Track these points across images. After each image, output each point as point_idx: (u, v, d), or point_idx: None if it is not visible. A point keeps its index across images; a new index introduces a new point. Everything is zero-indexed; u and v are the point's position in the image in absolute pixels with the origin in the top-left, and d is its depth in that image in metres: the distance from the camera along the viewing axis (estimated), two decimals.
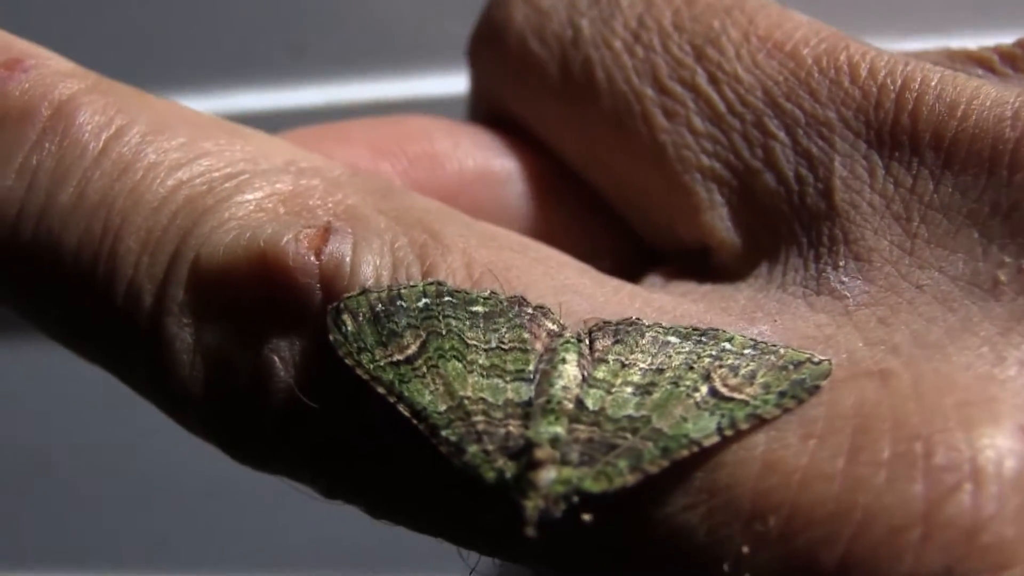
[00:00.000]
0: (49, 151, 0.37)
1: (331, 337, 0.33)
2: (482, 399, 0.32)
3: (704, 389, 0.32)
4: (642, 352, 0.33)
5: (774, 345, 0.33)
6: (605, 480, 0.31)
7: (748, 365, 0.33)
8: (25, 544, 0.90)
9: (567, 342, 0.33)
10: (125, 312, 0.36)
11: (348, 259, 0.35)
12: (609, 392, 0.32)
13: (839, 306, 0.34)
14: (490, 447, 0.31)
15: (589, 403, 0.32)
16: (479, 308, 0.34)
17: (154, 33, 0.76)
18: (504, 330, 0.34)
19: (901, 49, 0.39)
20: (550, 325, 0.34)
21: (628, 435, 0.31)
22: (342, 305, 0.34)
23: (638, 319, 0.34)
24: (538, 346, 0.33)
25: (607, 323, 0.34)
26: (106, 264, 0.36)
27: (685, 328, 0.34)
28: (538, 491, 0.30)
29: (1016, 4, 0.62)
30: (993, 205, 0.34)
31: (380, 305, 0.34)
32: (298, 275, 0.34)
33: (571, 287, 0.36)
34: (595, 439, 0.31)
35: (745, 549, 0.30)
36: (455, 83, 0.59)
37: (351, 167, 0.41)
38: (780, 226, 0.37)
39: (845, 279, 0.35)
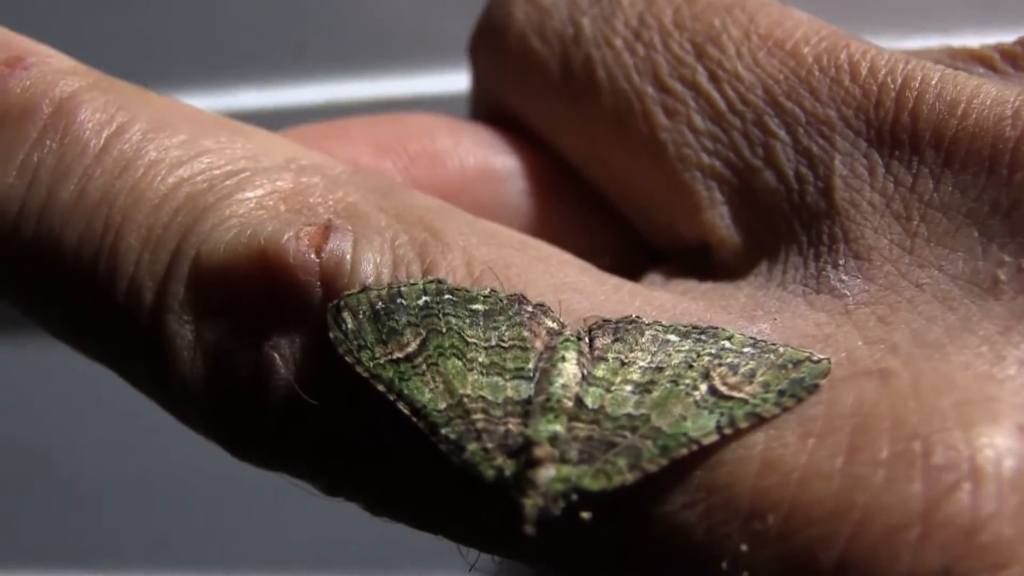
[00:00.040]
0: (50, 149, 0.37)
1: (331, 335, 0.33)
2: (481, 397, 0.32)
3: (703, 387, 0.32)
4: (642, 350, 0.33)
5: (773, 344, 0.33)
6: (604, 478, 0.31)
7: (747, 363, 0.33)
8: (24, 543, 0.91)
9: (567, 340, 0.33)
10: (126, 309, 0.36)
11: (348, 257, 0.35)
12: (608, 390, 0.32)
13: (839, 305, 0.34)
14: (489, 445, 0.31)
15: (588, 401, 0.32)
16: (479, 306, 0.34)
17: (156, 32, 0.76)
18: (504, 328, 0.34)
19: (902, 47, 0.39)
20: (550, 323, 0.34)
21: (627, 433, 0.31)
22: (342, 303, 0.34)
23: (638, 317, 0.34)
24: (538, 344, 0.34)
25: (607, 321, 0.34)
26: (107, 261, 0.36)
27: (685, 326, 0.34)
28: (537, 489, 0.30)
29: (1018, 2, 0.62)
30: (993, 204, 0.34)
31: (380, 303, 0.34)
32: (298, 273, 0.34)
33: (571, 285, 0.36)
34: (594, 437, 0.31)
35: (743, 547, 0.30)
36: (456, 81, 0.59)
37: (352, 165, 0.41)
38: (780, 224, 0.37)
39: (845, 278, 0.35)
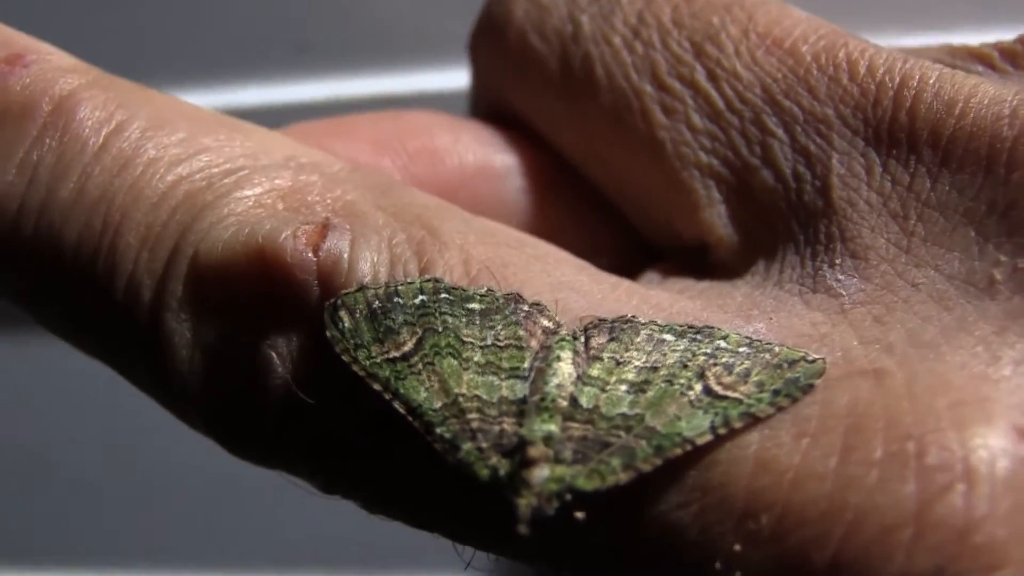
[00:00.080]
0: (49, 147, 0.37)
1: (328, 333, 0.33)
2: (477, 396, 0.32)
3: (698, 387, 0.32)
4: (637, 350, 0.33)
5: (769, 343, 0.33)
6: (598, 478, 0.31)
7: (743, 363, 0.33)
8: (24, 541, 0.91)
9: (562, 340, 0.33)
10: (125, 307, 0.36)
11: (346, 256, 0.35)
12: (603, 390, 0.32)
13: (835, 304, 0.34)
14: (484, 445, 0.31)
15: (583, 401, 0.32)
16: (475, 305, 0.34)
17: (158, 29, 0.77)
18: (500, 327, 0.34)
19: (902, 45, 0.39)
20: (546, 322, 0.34)
21: (622, 433, 0.31)
22: (339, 302, 0.34)
23: (633, 317, 0.34)
24: (533, 344, 0.34)
25: (602, 321, 0.34)
26: (106, 259, 0.36)
27: (680, 326, 0.34)
28: (531, 489, 0.30)
29: (1018, 0, 0.62)
30: (990, 203, 0.34)
31: (377, 302, 0.34)
32: (296, 271, 0.34)
33: (568, 284, 0.36)
34: (589, 437, 0.31)
35: (737, 547, 0.30)
36: (456, 79, 0.59)
37: (351, 162, 0.41)
38: (777, 223, 0.37)
39: (841, 277, 0.35)
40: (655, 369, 0.33)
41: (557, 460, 0.31)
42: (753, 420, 0.31)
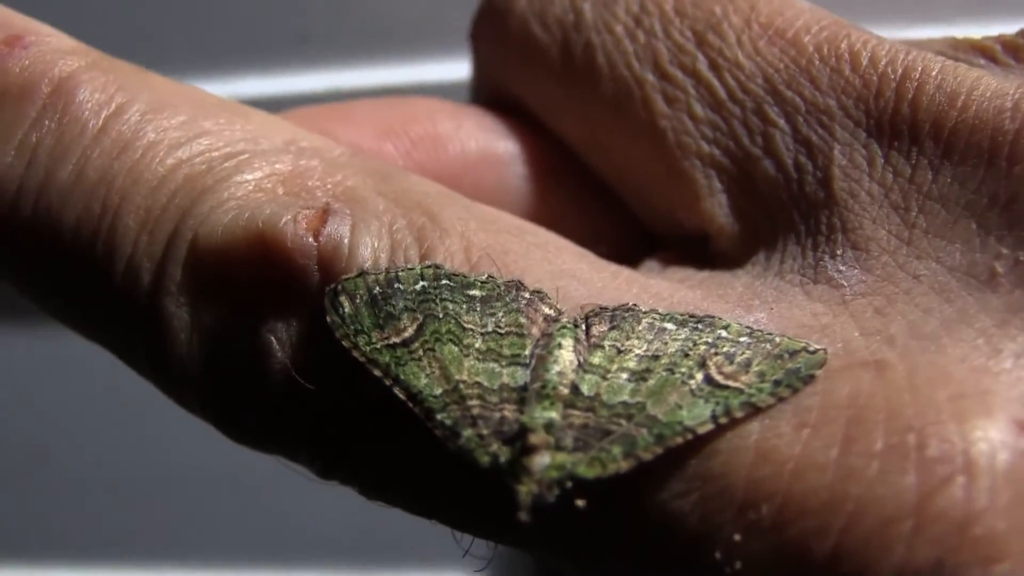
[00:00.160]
0: (49, 129, 0.37)
1: (328, 319, 0.33)
2: (477, 383, 0.32)
3: (699, 376, 0.32)
4: (638, 338, 0.33)
5: (770, 333, 0.33)
6: (599, 466, 0.31)
7: (744, 353, 0.33)
8: (23, 539, 0.91)
9: (563, 327, 0.33)
10: (124, 290, 0.36)
11: (346, 241, 0.35)
12: (604, 378, 0.32)
13: (836, 295, 0.34)
14: (485, 431, 0.31)
15: (584, 389, 0.32)
16: (476, 292, 0.34)
17: (160, 18, 0.76)
18: (501, 314, 0.34)
19: (905, 37, 0.39)
20: (547, 310, 0.34)
21: (623, 421, 0.31)
22: (340, 287, 0.34)
23: (635, 305, 0.34)
24: (534, 331, 0.34)
25: (604, 309, 0.34)
26: (105, 242, 0.36)
27: (681, 315, 0.34)
28: (532, 476, 0.30)
29: None
30: (991, 196, 0.34)
31: (377, 287, 0.34)
32: (296, 256, 0.34)
33: (569, 272, 0.36)
34: (589, 425, 0.31)
35: (737, 537, 0.30)
36: (457, 69, 0.59)
37: (352, 148, 0.41)
38: (778, 214, 0.37)
39: (842, 268, 0.35)
40: (656, 358, 0.33)
41: (558, 447, 0.31)
42: (754, 410, 0.31)
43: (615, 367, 0.33)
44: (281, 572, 0.84)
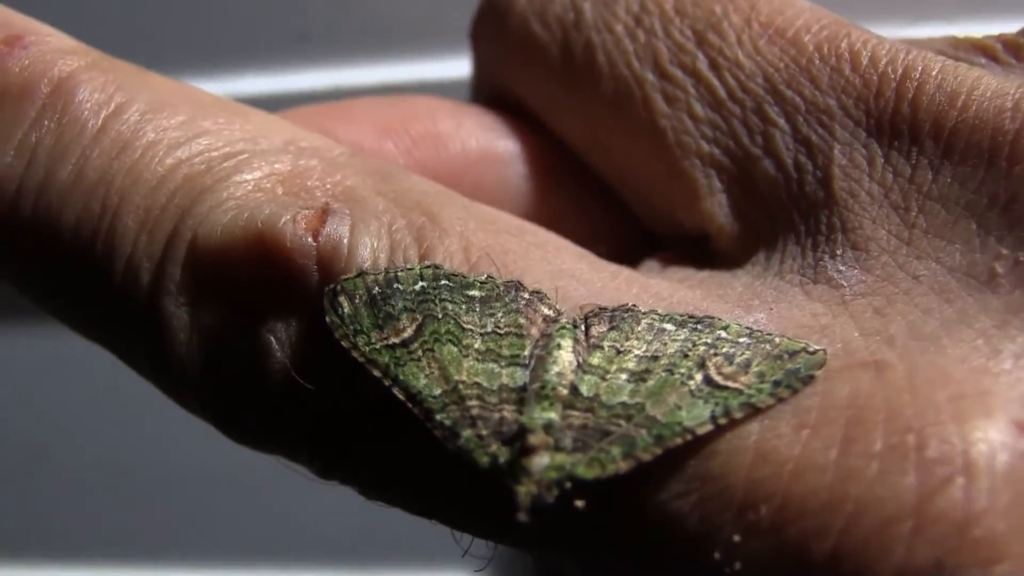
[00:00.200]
0: (48, 128, 0.37)
1: (327, 319, 0.33)
2: (477, 384, 0.32)
3: (699, 377, 0.32)
4: (637, 339, 0.33)
5: (769, 334, 0.33)
6: (598, 466, 0.31)
7: (743, 354, 0.33)
8: (23, 538, 0.91)
9: (563, 328, 0.33)
10: (123, 290, 0.36)
11: (346, 241, 0.35)
12: (604, 378, 0.32)
13: (836, 295, 0.34)
14: (484, 432, 0.31)
15: (583, 389, 0.32)
16: (475, 292, 0.34)
17: (160, 17, 0.76)
18: (500, 315, 0.34)
19: (905, 36, 0.39)
20: (546, 310, 0.34)
21: (622, 422, 0.31)
22: (339, 287, 0.34)
23: (634, 306, 0.34)
24: (534, 331, 0.34)
25: (603, 309, 0.34)
26: (104, 242, 0.36)
27: (681, 315, 0.34)
28: (531, 477, 0.30)
29: None
30: (991, 196, 0.34)
31: (377, 288, 0.34)
32: (295, 256, 0.34)
33: (568, 272, 0.36)
34: (589, 425, 0.31)
35: (736, 538, 0.30)
36: (457, 68, 0.59)
37: (352, 147, 0.41)
38: (778, 214, 0.37)
39: (842, 268, 0.35)
40: (656, 358, 0.33)
41: (557, 448, 0.31)
42: (753, 410, 0.31)
43: (614, 368, 0.33)
44: (281, 572, 0.84)
